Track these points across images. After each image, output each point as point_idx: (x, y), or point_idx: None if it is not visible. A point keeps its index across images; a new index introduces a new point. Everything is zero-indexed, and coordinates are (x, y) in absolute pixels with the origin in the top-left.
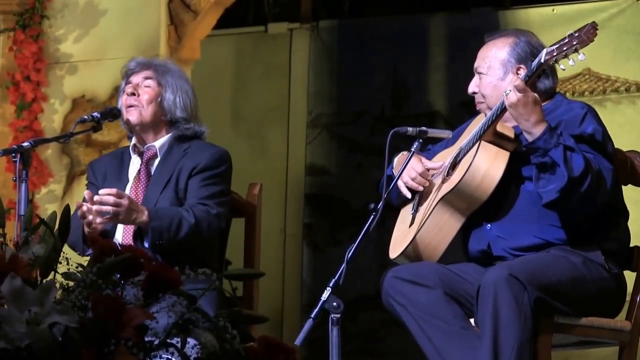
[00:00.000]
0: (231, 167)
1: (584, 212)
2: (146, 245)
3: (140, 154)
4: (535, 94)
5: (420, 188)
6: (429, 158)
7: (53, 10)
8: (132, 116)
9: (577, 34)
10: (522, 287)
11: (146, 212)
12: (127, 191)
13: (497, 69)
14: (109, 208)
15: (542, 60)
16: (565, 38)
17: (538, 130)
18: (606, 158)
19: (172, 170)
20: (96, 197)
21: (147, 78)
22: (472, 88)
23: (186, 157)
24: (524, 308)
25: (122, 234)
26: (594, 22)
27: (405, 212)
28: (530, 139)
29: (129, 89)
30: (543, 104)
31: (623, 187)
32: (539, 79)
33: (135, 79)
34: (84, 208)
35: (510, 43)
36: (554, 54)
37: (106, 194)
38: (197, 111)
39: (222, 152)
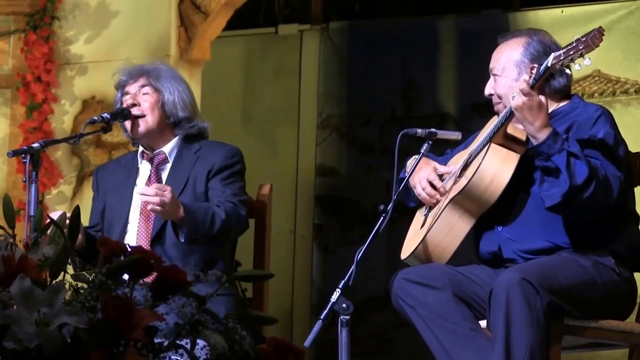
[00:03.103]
0: (244, 164)
1: (587, 217)
2: (182, 240)
3: (150, 160)
4: (541, 99)
5: (433, 201)
6: (447, 161)
7: (64, 11)
8: (139, 127)
9: (583, 39)
10: (535, 290)
11: (182, 207)
12: (139, 196)
13: (511, 69)
14: (155, 199)
15: (549, 65)
16: (572, 43)
17: (542, 135)
18: (615, 164)
19: (186, 175)
20: (140, 191)
21: (143, 86)
22: (488, 90)
23: (200, 161)
24: (536, 311)
25: (136, 239)
26: (600, 27)
27: (420, 213)
28: (534, 142)
29: (128, 101)
30: (560, 104)
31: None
32: (552, 80)
33: (132, 88)
34: None
35: (523, 43)
36: (561, 58)
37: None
38: (196, 106)
39: (235, 149)
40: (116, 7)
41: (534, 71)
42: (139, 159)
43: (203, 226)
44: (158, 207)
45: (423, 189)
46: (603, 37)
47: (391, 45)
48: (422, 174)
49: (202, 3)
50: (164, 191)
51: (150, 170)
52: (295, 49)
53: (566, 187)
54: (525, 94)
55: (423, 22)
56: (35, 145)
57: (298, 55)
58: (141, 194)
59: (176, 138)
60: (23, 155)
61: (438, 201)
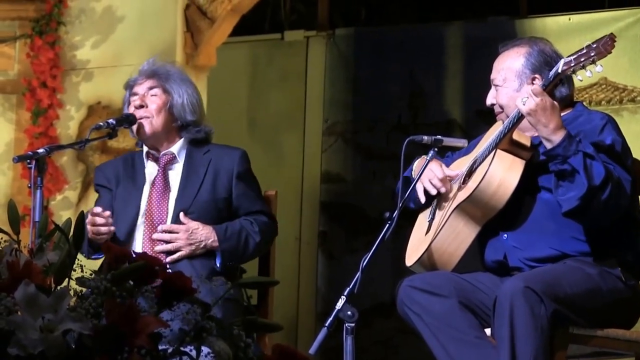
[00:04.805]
0: None
1: (605, 220)
2: (218, 265)
3: (156, 160)
4: (553, 100)
5: (435, 191)
6: (447, 165)
7: (70, 16)
8: (144, 128)
9: (594, 45)
10: (539, 299)
11: (215, 237)
12: (145, 197)
13: (513, 80)
14: (168, 246)
15: (560, 71)
16: (582, 49)
17: (557, 137)
18: (625, 169)
19: (200, 177)
20: (154, 235)
21: (151, 87)
22: (489, 100)
23: (214, 165)
24: (540, 320)
25: (142, 245)
26: (612, 33)
27: (422, 219)
28: (549, 146)
29: (136, 102)
30: (563, 113)
31: None
32: (555, 88)
33: (140, 89)
34: (99, 221)
35: (524, 53)
36: (572, 64)
37: (161, 230)
38: (203, 110)
39: (245, 151)
40: (122, 13)
41: (535, 82)
42: (145, 160)
43: (237, 251)
44: (176, 256)
45: (430, 180)
46: (615, 44)
47: (397, 51)
48: (429, 166)
49: (208, 9)
50: (177, 233)
51: (158, 170)
52: (301, 55)
53: (584, 189)
54: (537, 94)
55: (429, 28)
56: (41, 150)
57: (304, 61)
58: (156, 240)
59: (182, 139)
60: (28, 160)
61: (445, 190)
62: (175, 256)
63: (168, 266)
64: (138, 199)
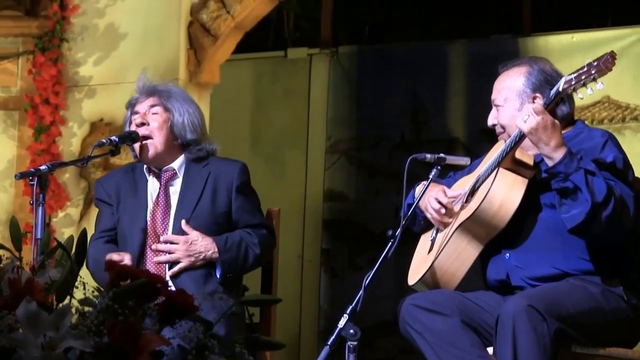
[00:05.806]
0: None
1: (610, 237)
2: (217, 276)
3: (157, 176)
4: (554, 118)
5: (442, 222)
6: (450, 185)
7: (73, 33)
8: (148, 152)
9: (595, 63)
10: (541, 317)
11: (215, 248)
12: (148, 214)
13: (514, 100)
14: (166, 257)
15: (561, 89)
16: (583, 67)
17: (558, 155)
18: (627, 185)
19: (199, 189)
20: (154, 246)
21: (153, 105)
22: (491, 120)
23: (213, 177)
24: (543, 338)
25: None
26: (612, 51)
27: (425, 238)
28: (550, 164)
29: (137, 120)
30: (564, 131)
31: None
32: (557, 106)
33: (141, 107)
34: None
35: (524, 73)
36: (573, 82)
37: (163, 241)
38: (205, 129)
39: (245, 164)
40: (125, 30)
41: (536, 100)
42: (147, 174)
43: (237, 262)
44: (176, 269)
45: (435, 210)
46: (615, 61)
47: (400, 69)
48: (431, 194)
49: (212, 26)
50: (177, 244)
51: (159, 188)
52: (305, 72)
53: (588, 206)
54: (538, 113)
55: (433, 46)
56: (43, 167)
57: (307, 79)
58: (154, 251)
59: (183, 155)
60: (30, 177)
61: (447, 223)
62: (175, 269)
63: (169, 277)
64: (143, 219)
